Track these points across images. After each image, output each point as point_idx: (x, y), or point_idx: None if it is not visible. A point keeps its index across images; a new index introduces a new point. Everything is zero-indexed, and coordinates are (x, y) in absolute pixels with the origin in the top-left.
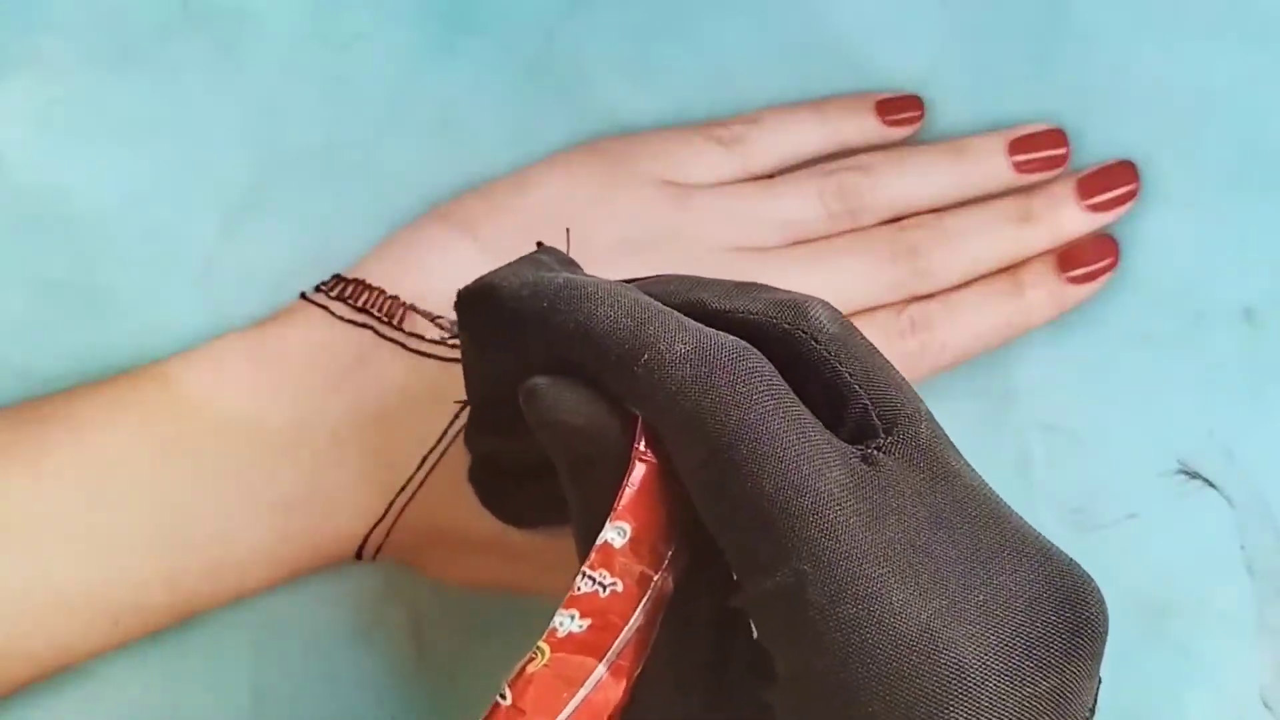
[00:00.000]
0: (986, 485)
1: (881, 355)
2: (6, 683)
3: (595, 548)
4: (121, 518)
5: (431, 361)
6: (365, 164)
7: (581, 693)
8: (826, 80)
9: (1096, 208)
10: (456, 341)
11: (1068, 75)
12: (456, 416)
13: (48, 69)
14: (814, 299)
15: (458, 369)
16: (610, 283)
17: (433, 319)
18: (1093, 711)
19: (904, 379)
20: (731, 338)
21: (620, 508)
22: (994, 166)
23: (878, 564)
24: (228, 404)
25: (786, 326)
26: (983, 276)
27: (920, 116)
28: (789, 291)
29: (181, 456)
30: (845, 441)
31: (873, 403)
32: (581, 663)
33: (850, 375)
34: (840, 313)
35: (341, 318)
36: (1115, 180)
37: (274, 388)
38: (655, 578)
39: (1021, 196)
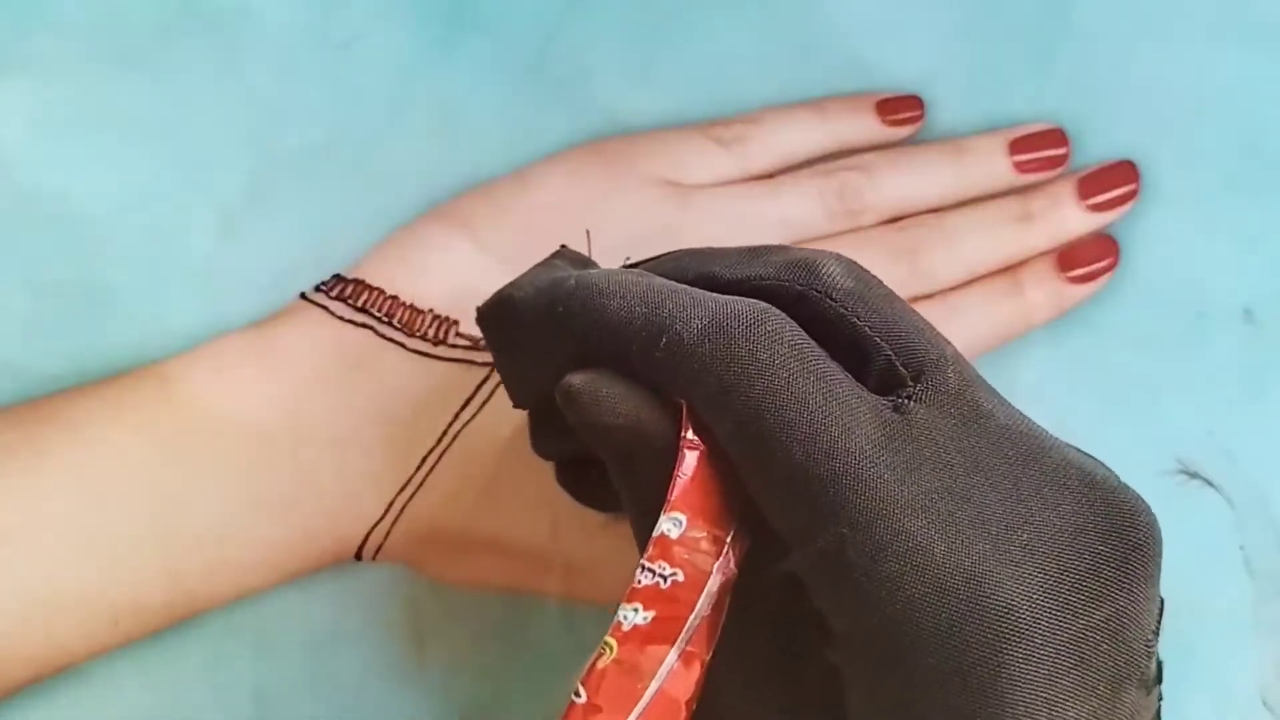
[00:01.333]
0: (1024, 420)
1: (902, 302)
2: (6, 683)
3: (651, 540)
4: (121, 518)
5: (431, 361)
6: (365, 164)
7: (655, 684)
8: (826, 80)
9: (1097, 208)
10: (457, 342)
11: (1068, 75)
12: (456, 417)
13: (48, 69)
14: (827, 255)
15: (457, 369)
16: (621, 272)
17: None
18: (1157, 633)
19: (927, 324)
20: (749, 302)
21: (674, 499)
22: (994, 166)
23: (916, 517)
24: (227, 404)
25: (800, 288)
26: (983, 277)
27: (920, 116)
28: (801, 250)
29: (181, 456)
30: (874, 394)
31: (896, 353)
32: (650, 653)
33: (870, 329)
34: (856, 264)
35: (341, 318)
36: (1115, 180)
37: (273, 388)
38: (716, 563)
39: (1021, 196)
